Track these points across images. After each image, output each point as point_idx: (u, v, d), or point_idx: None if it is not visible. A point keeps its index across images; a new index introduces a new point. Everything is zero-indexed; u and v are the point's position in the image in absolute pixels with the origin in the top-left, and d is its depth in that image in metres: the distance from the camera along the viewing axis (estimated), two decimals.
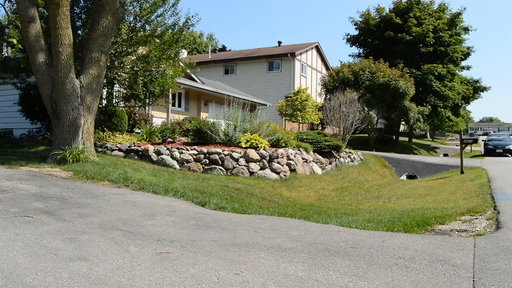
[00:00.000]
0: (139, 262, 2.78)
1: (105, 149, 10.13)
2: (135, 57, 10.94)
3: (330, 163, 13.26)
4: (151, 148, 9.77)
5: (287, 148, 10.66)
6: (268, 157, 9.72)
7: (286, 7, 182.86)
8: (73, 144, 7.47)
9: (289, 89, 28.04)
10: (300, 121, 22.98)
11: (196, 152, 9.57)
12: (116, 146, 10.16)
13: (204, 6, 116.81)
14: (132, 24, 10.62)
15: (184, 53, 23.34)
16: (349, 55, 67.77)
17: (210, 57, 34.06)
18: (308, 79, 31.74)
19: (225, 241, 3.45)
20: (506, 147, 24.38)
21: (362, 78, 24.51)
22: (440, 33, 30.78)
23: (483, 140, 31.42)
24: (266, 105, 24.21)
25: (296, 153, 10.82)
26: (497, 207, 5.43)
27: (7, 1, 10.77)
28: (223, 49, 45.63)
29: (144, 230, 3.65)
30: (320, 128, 26.47)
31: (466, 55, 34.56)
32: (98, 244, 3.13)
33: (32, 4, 7.63)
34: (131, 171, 7.26)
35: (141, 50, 11.10)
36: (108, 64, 9.78)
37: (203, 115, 20.10)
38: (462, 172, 12.84)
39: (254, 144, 9.80)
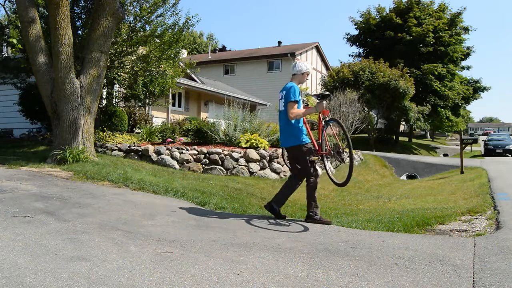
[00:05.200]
0: (139, 262, 2.78)
1: (105, 149, 10.14)
2: (135, 57, 10.93)
3: (330, 163, 13.26)
4: (151, 148, 9.77)
5: None
6: (268, 157, 9.72)
7: (286, 7, 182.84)
8: (73, 144, 7.47)
9: None
10: None
11: (196, 152, 9.57)
12: (116, 146, 10.16)
13: (204, 6, 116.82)
14: (132, 24, 10.62)
15: (184, 53, 23.33)
16: (349, 55, 67.80)
17: (210, 57, 34.06)
18: (308, 79, 31.75)
19: (225, 241, 3.45)
20: (506, 147, 24.38)
21: (362, 78, 24.51)
22: (440, 33, 30.79)
23: (483, 140, 31.42)
24: (266, 105, 24.19)
25: None
26: (497, 207, 5.43)
27: (7, 1, 10.76)
28: (223, 49, 45.63)
29: (144, 230, 3.65)
30: None
31: (466, 55, 34.60)
32: (98, 244, 3.13)
33: (32, 4, 7.63)
34: (131, 171, 7.26)
35: (141, 50, 11.10)
36: (108, 64, 9.78)
37: (203, 115, 20.10)
38: (462, 172, 12.83)
39: (254, 144, 9.80)
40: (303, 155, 4.34)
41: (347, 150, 4.21)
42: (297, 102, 4.27)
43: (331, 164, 4.40)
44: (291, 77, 4.56)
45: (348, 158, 4.14)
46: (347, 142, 4.00)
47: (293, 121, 4.31)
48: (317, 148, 4.41)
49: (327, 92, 4.54)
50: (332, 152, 4.28)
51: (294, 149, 4.38)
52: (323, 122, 4.39)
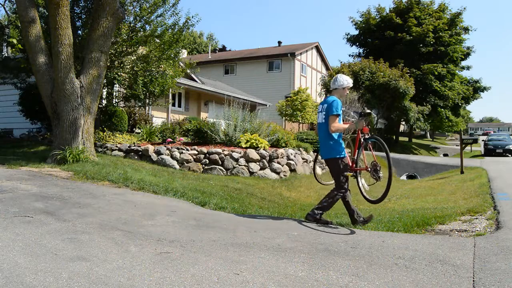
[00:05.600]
0: (139, 262, 2.78)
1: (105, 149, 10.14)
2: (135, 57, 10.93)
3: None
4: (151, 148, 9.77)
5: (287, 148, 10.66)
6: (268, 157, 9.72)
7: (286, 7, 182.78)
8: (73, 144, 7.47)
9: (289, 89, 28.02)
10: (300, 121, 22.96)
11: (196, 152, 9.57)
12: (116, 146, 10.16)
13: (204, 6, 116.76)
14: (132, 24, 10.62)
15: (184, 53, 23.32)
16: (349, 55, 67.80)
17: (210, 57, 34.04)
18: (308, 79, 31.73)
19: (225, 241, 3.45)
20: (506, 147, 24.37)
21: (362, 78, 24.49)
22: (440, 33, 30.79)
23: (483, 140, 31.41)
24: (266, 105, 24.19)
25: (296, 153, 10.82)
26: (497, 207, 5.43)
27: (7, 1, 10.76)
28: (223, 49, 45.61)
29: (144, 230, 3.65)
30: None
31: (466, 55, 34.58)
32: (98, 244, 3.13)
33: (32, 4, 7.63)
34: (131, 171, 7.26)
35: (141, 50, 11.10)
36: (108, 64, 9.77)
37: (203, 115, 20.10)
38: (462, 172, 12.84)
39: (254, 144, 9.80)
40: (339, 168, 4.42)
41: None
42: (338, 116, 4.35)
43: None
44: (332, 91, 4.61)
45: (381, 173, 4.20)
46: (388, 161, 4.03)
47: (334, 135, 4.40)
48: (350, 163, 4.49)
49: (368, 111, 4.63)
50: (369, 169, 4.31)
51: (333, 161, 4.47)
52: (361, 139, 4.45)
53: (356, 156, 4.50)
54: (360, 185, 4.49)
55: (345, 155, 4.45)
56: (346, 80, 4.48)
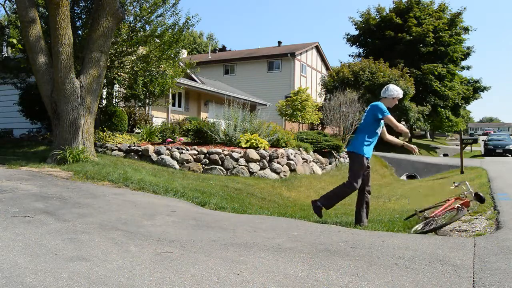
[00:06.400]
0: (139, 262, 2.78)
1: (105, 149, 10.14)
2: (135, 57, 10.93)
3: (330, 163, 13.26)
4: (151, 148, 9.77)
5: (287, 148, 10.66)
6: (268, 157, 9.72)
7: (286, 7, 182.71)
8: (73, 144, 7.47)
9: (289, 89, 28.01)
10: (300, 121, 22.95)
11: (196, 152, 9.57)
12: (116, 146, 10.16)
13: (204, 6, 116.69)
14: (132, 24, 10.62)
15: (184, 53, 23.31)
16: (349, 55, 67.77)
17: (210, 57, 34.04)
18: (308, 79, 31.72)
19: (225, 241, 3.45)
20: (506, 147, 24.36)
21: (362, 78, 24.50)
22: (440, 33, 30.77)
23: (483, 140, 31.40)
24: (266, 105, 24.18)
25: (296, 153, 10.82)
26: (497, 207, 5.43)
27: (7, 1, 10.77)
28: (223, 49, 45.61)
29: (144, 230, 3.65)
30: (320, 128, 26.45)
31: (466, 55, 34.56)
32: (98, 244, 3.13)
33: (32, 4, 7.63)
34: (131, 171, 7.26)
35: (141, 50, 11.10)
36: (108, 64, 9.77)
37: (203, 115, 20.10)
38: (462, 172, 12.83)
39: (254, 144, 9.80)
40: (354, 164, 4.56)
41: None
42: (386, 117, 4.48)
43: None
44: (381, 99, 4.70)
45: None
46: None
47: (367, 135, 4.54)
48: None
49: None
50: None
51: (352, 154, 4.61)
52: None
53: None
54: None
55: (363, 154, 4.52)
56: (397, 91, 4.61)
